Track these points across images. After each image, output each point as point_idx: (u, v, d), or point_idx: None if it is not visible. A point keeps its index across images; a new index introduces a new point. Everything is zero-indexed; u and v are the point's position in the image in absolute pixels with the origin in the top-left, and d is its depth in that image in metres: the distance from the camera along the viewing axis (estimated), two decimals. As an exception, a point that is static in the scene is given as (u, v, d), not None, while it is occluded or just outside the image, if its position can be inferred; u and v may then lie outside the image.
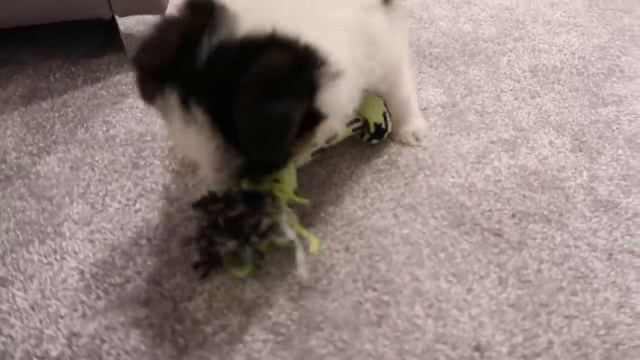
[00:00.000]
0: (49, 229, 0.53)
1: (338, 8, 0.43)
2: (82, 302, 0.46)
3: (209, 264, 0.47)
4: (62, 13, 0.75)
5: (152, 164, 0.61)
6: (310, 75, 0.39)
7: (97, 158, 0.62)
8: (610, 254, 0.48)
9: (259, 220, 0.44)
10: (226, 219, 0.44)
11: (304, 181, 0.55)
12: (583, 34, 0.83)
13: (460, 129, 0.64)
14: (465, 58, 0.78)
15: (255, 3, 0.41)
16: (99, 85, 0.74)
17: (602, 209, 0.53)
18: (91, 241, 0.52)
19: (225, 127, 0.38)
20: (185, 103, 0.39)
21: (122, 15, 0.76)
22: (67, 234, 0.53)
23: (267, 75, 0.37)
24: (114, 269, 0.49)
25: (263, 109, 0.37)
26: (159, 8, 0.76)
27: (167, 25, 0.41)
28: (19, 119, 0.68)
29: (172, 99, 0.39)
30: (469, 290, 0.46)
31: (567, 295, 0.45)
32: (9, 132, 0.66)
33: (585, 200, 0.54)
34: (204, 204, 0.46)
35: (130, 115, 0.68)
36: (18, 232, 0.53)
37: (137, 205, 0.55)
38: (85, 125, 0.67)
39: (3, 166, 0.61)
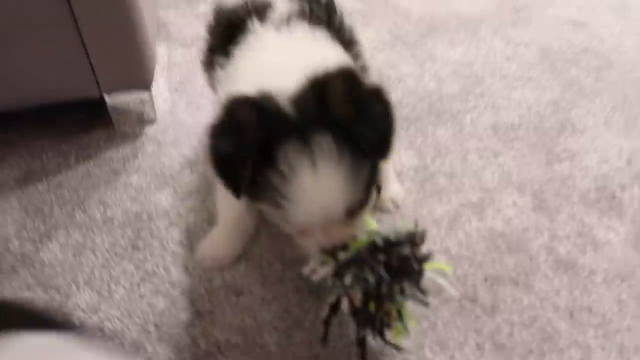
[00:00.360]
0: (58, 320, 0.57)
1: None
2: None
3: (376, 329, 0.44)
4: (51, 96, 0.78)
5: (151, 245, 0.65)
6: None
7: (97, 241, 0.66)
8: (572, 313, 0.55)
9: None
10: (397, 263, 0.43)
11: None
12: (537, 87, 0.92)
13: (433, 192, 0.71)
14: (432, 118, 0.85)
15: None
16: (92, 164, 0.78)
17: (562, 268, 0.60)
18: (100, 330, 0.56)
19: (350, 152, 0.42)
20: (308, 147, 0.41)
21: (110, 93, 0.80)
22: (77, 323, 0.56)
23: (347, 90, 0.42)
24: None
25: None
26: (145, 84, 0.80)
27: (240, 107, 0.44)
28: (17, 204, 0.71)
29: (295, 153, 0.41)
30: (451, 358, 0.52)
31: (537, 356, 0.52)
32: (9, 218, 0.69)
33: (547, 260, 0.61)
34: (361, 260, 0.44)
35: (125, 194, 0.72)
36: (29, 325, 0.56)
37: (142, 290, 0.59)
38: (82, 207, 0.71)
39: (7, 256, 0.64)
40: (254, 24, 0.53)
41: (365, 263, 0.44)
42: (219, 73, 0.55)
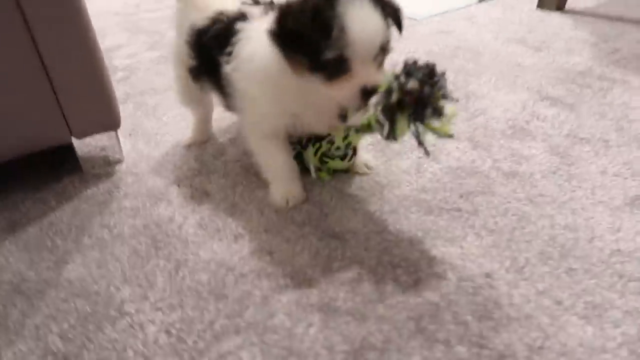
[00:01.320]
0: (112, 313, 0.59)
1: None
2: None
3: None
4: (25, 147, 0.80)
5: (171, 243, 0.69)
6: None
7: (116, 253, 0.68)
8: (530, 200, 0.71)
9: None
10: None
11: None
12: (437, 76, 1.13)
13: (392, 155, 0.85)
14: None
15: None
16: (76, 202, 0.80)
17: (510, 176, 0.77)
18: (159, 309, 0.59)
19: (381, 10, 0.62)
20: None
21: (81, 137, 0.84)
22: (132, 311, 0.59)
23: None
24: None
25: None
26: (114, 123, 0.86)
27: None
28: (14, 247, 0.71)
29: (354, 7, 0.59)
30: (461, 247, 0.64)
31: (519, 230, 0.66)
32: (12, 259, 0.69)
33: (497, 175, 0.77)
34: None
35: (124, 215, 0.76)
36: (79, 328, 0.57)
37: (180, 274, 0.63)
38: (85, 233, 0.72)
39: (29, 284, 0.64)
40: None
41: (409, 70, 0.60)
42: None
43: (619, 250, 0.61)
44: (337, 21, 0.58)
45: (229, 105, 0.78)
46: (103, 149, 0.96)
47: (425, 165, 0.81)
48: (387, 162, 0.83)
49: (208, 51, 0.76)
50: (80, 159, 0.87)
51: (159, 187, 0.82)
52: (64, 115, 0.80)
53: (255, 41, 0.67)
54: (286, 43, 0.62)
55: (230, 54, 0.71)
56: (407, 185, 0.77)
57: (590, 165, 0.77)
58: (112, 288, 0.62)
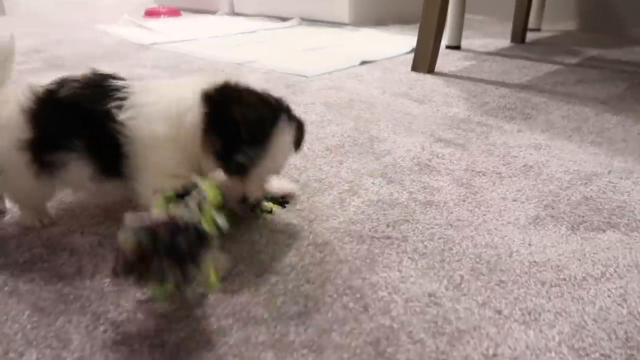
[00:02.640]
0: None
1: None
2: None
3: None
4: None
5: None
6: None
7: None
8: (451, 224, 0.75)
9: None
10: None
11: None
12: (338, 124, 1.19)
13: (314, 192, 0.85)
14: (280, 152, 1.01)
15: None
16: None
17: (427, 205, 0.81)
18: None
19: None
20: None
21: None
22: None
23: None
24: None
25: None
26: None
27: None
28: None
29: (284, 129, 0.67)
30: (400, 272, 0.65)
31: (449, 250, 0.69)
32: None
33: (416, 204, 0.81)
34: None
35: (17, 269, 0.64)
36: None
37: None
38: None
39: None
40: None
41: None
42: None
43: (535, 262, 0.67)
44: (269, 138, 0.65)
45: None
46: (-23, 200, 0.81)
47: (347, 200, 0.83)
48: (310, 199, 0.83)
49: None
50: None
51: (57, 236, 0.72)
52: None
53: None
54: (216, 123, 0.63)
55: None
56: (335, 219, 0.77)
57: (491, 192, 0.85)
58: (12, 354, 0.51)
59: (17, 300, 0.59)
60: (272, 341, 0.53)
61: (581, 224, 0.76)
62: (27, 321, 0.55)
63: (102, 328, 0.55)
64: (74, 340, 0.53)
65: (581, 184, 0.89)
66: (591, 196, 0.84)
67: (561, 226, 0.75)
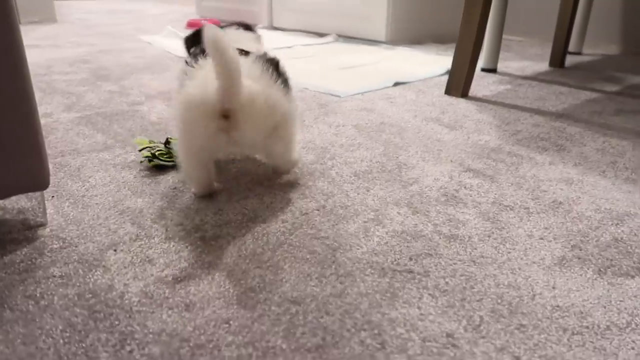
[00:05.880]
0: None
1: None
2: None
3: None
4: None
5: (113, 314, 0.63)
6: None
7: (47, 328, 0.60)
8: (474, 261, 0.75)
9: None
10: None
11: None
12: (368, 148, 1.20)
13: (338, 219, 0.86)
14: (308, 176, 1.03)
15: None
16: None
17: (452, 240, 0.81)
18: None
19: None
20: None
21: (4, 197, 0.76)
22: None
23: None
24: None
25: None
26: (44, 183, 0.79)
27: None
28: None
29: None
30: (419, 308, 0.65)
31: (470, 291, 0.69)
32: None
33: (440, 238, 0.82)
34: None
35: (53, 284, 0.68)
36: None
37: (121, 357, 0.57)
38: (5, 305, 0.63)
39: None
40: None
41: None
42: None
43: (558, 306, 0.66)
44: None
45: None
46: (21, 211, 0.86)
47: (372, 229, 0.83)
48: (335, 227, 0.84)
49: None
50: (-5, 222, 0.78)
51: (92, 252, 0.75)
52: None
53: None
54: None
55: None
56: (358, 249, 0.78)
57: (518, 229, 0.85)
58: (46, 367, 0.54)
59: (51, 314, 0.62)
60: (289, 373, 0.54)
61: (609, 267, 0.74)
62: (60, 336, 0.59)
63: (128, 348, 0.57)
64: (101, 358, 0.55)
65: (612, 224, 0.87)
66: (622, 238, 0.82)
67: (588, 269, 0.74)
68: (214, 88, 0.78)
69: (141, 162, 1.08)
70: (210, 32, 0.73)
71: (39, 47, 2.56)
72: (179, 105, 0.84)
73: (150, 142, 1.11)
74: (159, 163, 1.05)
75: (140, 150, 1.08)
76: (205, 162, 0.90)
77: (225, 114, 0.80)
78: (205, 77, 0.82)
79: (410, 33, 2.74)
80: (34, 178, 0.77)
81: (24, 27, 3.29)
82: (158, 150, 1.06)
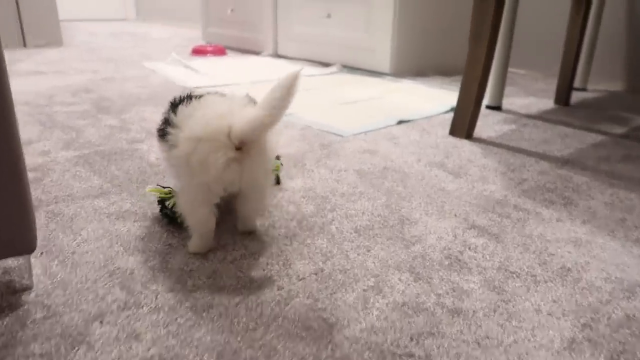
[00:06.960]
0: None
1: None
2: None
3: None
4: None
5: (92, 404, 0.59)
6: None
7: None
8: (484, 340, 0.71)
9: None
10: None
11: None
12: (369, 198, 1.17)
13: (336, 287, 0.83)
14: (307, 232, 1.00)
15: None
16: (-28, 344, 0.66)
17: (455, 313, 0.77)
18: None
19: None
20: None
21: (-14, 262, 0.73)
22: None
23: None
24: None
25: None
26: (31, 246, 0.75)
27: None
28: None
29: None
30: (422, 401, 0.61)
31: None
32: None
33: (443, 311, 0.78)
34: None
35: (34, 364, 0.64)
36: None
37: None
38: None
39: None
40: None
41: None
42: None
43: (568, 400, 0.62)
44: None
45: None
46: (7, 271, 0.83)
47: (371, 300, 0.80)
48: (332, 296, 0.80)
49: None
50: (-22, 287, 0.75)
51: (77, 324, 0.72)
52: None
53: None
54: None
55: None
56: (357, 324, 0.74)
57: (525, 302, 0.81)
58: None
59: (28, 405, 0.58)
60: None
61: (622, 353, 0.70)
62: None
63: None
64: None
65: (623, 297, 0.83)
66: (634, 315, 0.78)
67: (599, 355, 0.70)
68: (222, 122, 0.82)
69: (163, 218, 1.02)
70: (295, 71, 0.80)
71: (43, 73, 2.56)
72: (186, 143, 0.83)
73: (168, 192, 1.01)
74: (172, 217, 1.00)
75: (159, 204, 1.02)
76: (211, 206, 0.88)
77: (240, 145, 0.83)
78: (205, 116, 0.84)
79: (415, 65, 2.73)
80: (20, 243, 0.74)
81: (30, 50, 3.31)
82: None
